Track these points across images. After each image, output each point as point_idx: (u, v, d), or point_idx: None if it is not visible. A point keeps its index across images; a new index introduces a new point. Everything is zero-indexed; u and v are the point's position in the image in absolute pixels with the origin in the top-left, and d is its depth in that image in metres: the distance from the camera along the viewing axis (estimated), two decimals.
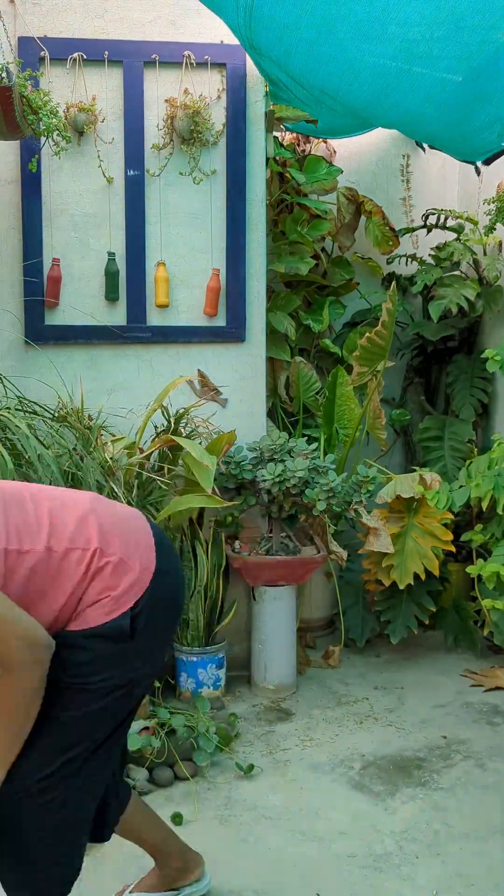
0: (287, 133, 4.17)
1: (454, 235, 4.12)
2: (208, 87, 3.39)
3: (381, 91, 3.01)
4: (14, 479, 2.41)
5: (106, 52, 3.28)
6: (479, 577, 3.23)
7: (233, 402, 3.54)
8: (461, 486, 2.67)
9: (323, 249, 4.30)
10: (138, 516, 1.79)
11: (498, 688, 3.44)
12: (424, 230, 4.31)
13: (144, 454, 3.12)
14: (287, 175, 3.96)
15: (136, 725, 2.76)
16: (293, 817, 2.51)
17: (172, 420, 3.28)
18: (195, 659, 3.25)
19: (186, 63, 3.34)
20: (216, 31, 3.31)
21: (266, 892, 2.18)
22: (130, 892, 2.12)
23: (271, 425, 3.72)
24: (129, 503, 2.92)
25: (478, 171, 3.99)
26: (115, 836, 1.86)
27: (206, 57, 3.35)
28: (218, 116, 3.41)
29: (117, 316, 3.43)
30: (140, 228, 3.40)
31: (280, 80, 3.35)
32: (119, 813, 1.93)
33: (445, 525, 3.60)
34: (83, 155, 3.34)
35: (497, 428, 4.09)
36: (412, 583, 3.58)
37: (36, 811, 1.63)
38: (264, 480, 3.25)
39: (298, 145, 4.27)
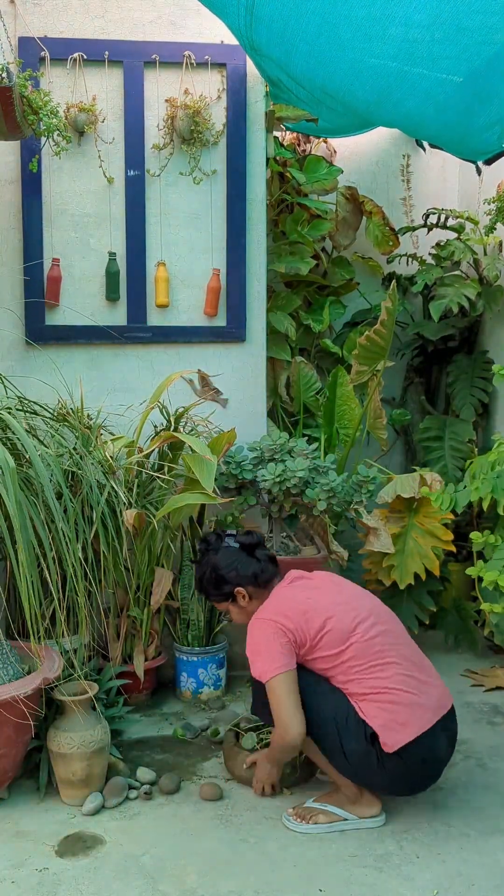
0: (287, 133, 4.17)
1: (454, 236, 4.12)
2: (208, 88, 3.39)
3: (381, 91, 3.01)
4: (14, 480, 2.41)
5: (106, 52, 3.28)
6: (480, 577, 3.22)
7: (233, 401, 3.54)
8: (465, 488, 2.67)
9: (323, 249, 4.30)
10: None
11: (498, 688, 3.44)
12: (425, 230, 4.31)
13: (144, 453, 3.12)
14: (287, 175, 3.96)
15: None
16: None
17: (172, 419, 3.28)
18: (195, 659, 3.25)
19: (186, 63, 3.34)
20: (216, 31, 3.31)
21: (266, 892, 2.18)
22: (314, 801, 2.51)
23: (272, 425, 3.72)
24: (129, 502, 2.92)
25: (479, 171, 3.99)
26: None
27: (207, 57, 3.35)
28: (218, 116, 3.41)
29: (118, 316, 3.43)
30: (140, 228, 3.40)
31: (280, 80, 3.35)
32: None
33: (446, 525, 3.60)
34: (83, 155, 3.34)
35: (497, 428, 4.09)
36: (412, 583, 3.58)
37: None
38: (265, 480, 3.25)
39: (298, 145, 4.27)
